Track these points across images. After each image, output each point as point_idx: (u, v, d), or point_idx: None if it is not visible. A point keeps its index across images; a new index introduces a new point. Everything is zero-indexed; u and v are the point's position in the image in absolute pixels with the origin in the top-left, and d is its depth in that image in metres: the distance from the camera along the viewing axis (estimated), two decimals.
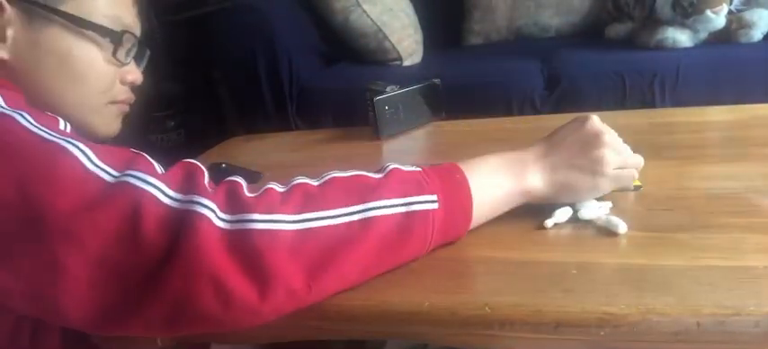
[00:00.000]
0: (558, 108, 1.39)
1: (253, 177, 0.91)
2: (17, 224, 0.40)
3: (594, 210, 0.59)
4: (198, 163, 0.47)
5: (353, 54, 1.73)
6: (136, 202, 0.42)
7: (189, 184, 0.44)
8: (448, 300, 0.47)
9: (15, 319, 0.49)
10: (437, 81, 1.14)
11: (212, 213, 0.42)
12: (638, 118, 1.06)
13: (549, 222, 0.58)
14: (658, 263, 0.50)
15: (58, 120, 0.48)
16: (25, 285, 0.42)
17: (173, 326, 0.44)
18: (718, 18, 1.43)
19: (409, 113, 1.10)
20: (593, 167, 0.57)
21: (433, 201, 0.50)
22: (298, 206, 0.45)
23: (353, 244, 0.46)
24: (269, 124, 1.57)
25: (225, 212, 0.43)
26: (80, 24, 0.59)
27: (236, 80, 1.62)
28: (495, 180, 0.56)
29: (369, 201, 0.47)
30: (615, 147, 0.59)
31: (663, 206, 0.61)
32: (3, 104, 0.46)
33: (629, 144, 0.74)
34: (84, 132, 0.62)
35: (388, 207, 0.48)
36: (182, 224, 0.41)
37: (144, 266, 0.41)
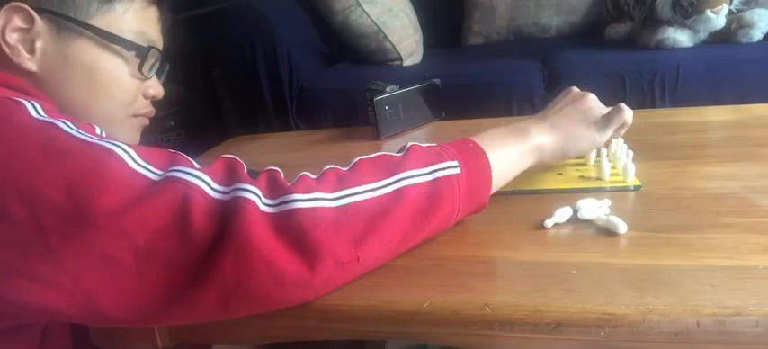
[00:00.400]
0: None
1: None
2: (67, 223, 0.41)
3: (594, 210, 0.59)
4: (236, 157, 0.50)
5: (353, 54, 1.73)
6: (184, 195, 0.43)
7: (232, 176, 0.47)
8: (448, 300, 0.47)
9: (29, 341, 0.51)
10: (437, 81, 1.14)
11: (257, 198, 0.45)
12: (638, 118, 1.05)
13: (548, 222, 0.58)
14: (658, 263, 0.50)
15: (94, 127, 0.50)
16: (73, 283, 0.42)
17: (227, 309, 0.45)
18: (718, 18, 1.42)
19: (409, 113, 1.10)
20: (586, 115, 0.67)
21: (455, 167, 0.53)
22: (333, 185, 0.48)
23: (390, 212, 0.49)
24: (269, 124, 1.57)
25: (268, 197, 0.45)
26: (108, 39, 0.61)
27: (236, 80, 1.62)
28: (506, 143, 0.60)
29: (398, 173, 0.50)
30: (599, 102, 0.70)
31: (663, 206, 0.61)
32: (43, 113, 0.47)
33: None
34: None
35: (415, 176, 0.51)
36: (229, 211, 0.43)
37: (194, 256, 0.42)
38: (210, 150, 1.15)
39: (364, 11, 1.64)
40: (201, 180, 0.45)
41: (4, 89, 0.51)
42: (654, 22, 1.52)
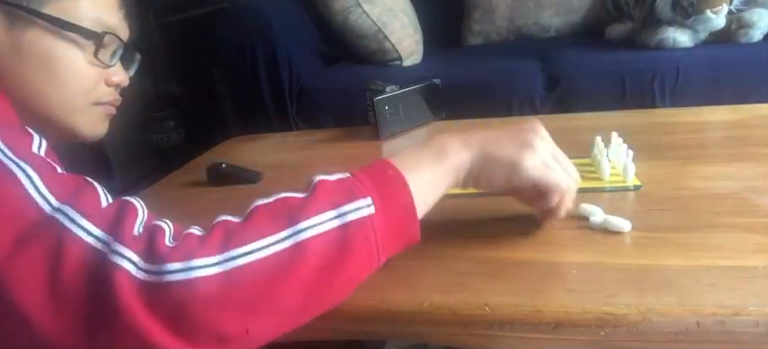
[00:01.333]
0: (558, 108, 1.39)
1: (253, 177, 0.91)
2: None
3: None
4: (135, 202, 0.45)
5: (353, 54, 1.73)
6: (59, 244, 0.40)
7: (116, 227, 0.42)
8: (448, 300, 0.47)
9: None
10: (437, 81, 1.14)
11: (131, 264, 0.40)
12: (638, 118, 1.06)
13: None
14: (658, 263, 0.50)
15: (32, 139, 0.48)
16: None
17: None
18: (718, 18, 1.42)
19: (409, 113, 1.10)
20: (522, 140, 0.53)
21: (368, 206, 0.46)
22: (218, 246, 0.42)
23: (287, 273, 0.42)
24: (269, 124, 1.57)
25: (145, 262, 0.40)
26: (61, 26, 0.59)
27: (236, 80, 1.62)
28: (422, 163, 0.52)
29: (297, 223, 0.43)
30: (552, 147, 0.55)
31: (663, 206, 0.61)
32: None
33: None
34: (70, 135, 0.62)
35: (319, 224, 0.44)
36: (101, 275, 0.40)
37: (74, 312, 0.40)
38: (210, 150, 1.15)
39: (364, 11, 1.64)
40: (83, 228, 0.41)
41: None
42: (654, 22, 1.52)
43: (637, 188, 0.67)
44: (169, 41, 2.19)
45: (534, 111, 1.42)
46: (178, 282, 0.40)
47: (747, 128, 0.90)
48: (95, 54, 0.62)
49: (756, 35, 1.46)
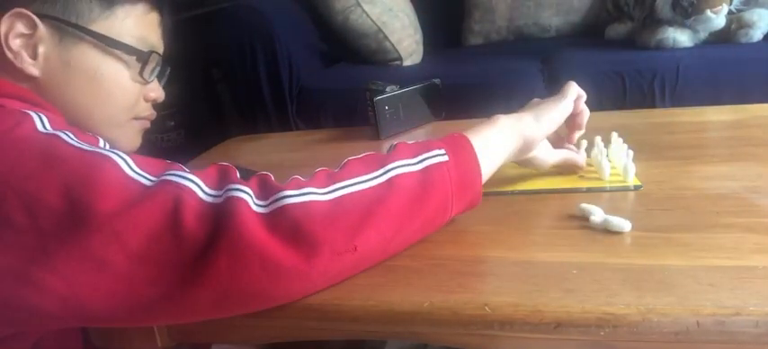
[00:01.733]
0: None
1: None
2: (63, 227, 0.42)
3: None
4: (229, 164, 0.50)
5: (353, 54, 1.73)
6: (176, 198, 0.44)
7: (224, 179, 0.47)
8: (448, 300, 0.47)
9: None
10: (437, 81, 1.14)
11: (249, 198, 0.45)
12: (638, 118, 1.06)
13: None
14: (658, 263, 0.50)
15: (97, 139, 0.51)
16: (65, 287, 0.43)
17: (221, 307, 0.46)
18: (718, 18, 1.42)
19: (409, 113, 1.10)
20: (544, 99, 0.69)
21: (442, 154, 0.54)
22: (324, 181, 0.49)
23: (384, 200, 0.49)
24: (269, 124, 1.57)
25: (260, 198, 0.46)
26: (110, 44, 0.62)
27: (236, 80, 1.62)
28: (483, 130, 0.60)
29: (387, 164, 0.51)
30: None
31: (663, 206, 0.61)
32: (48, 125, 0.49)
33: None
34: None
35: (406, 165, 0.52)
36: (222, 211, 0.44)
37: (187, 256, 0.43)
38: (210, 150, 1.15)
39: (364, 11, 1.64)
40: (194, 183, 0.46)
41: (16, 101, 0.53)
42: (654, 22, 1.52)
43: (637, 188, 0.67)
44: (169, 41, 2.18)
45: None
46: (295, 206, 0.45)
47: (747, 128, 0.90)
48: (141, 72, 0.66)
49: (756, 35, 1.46)
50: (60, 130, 0.49)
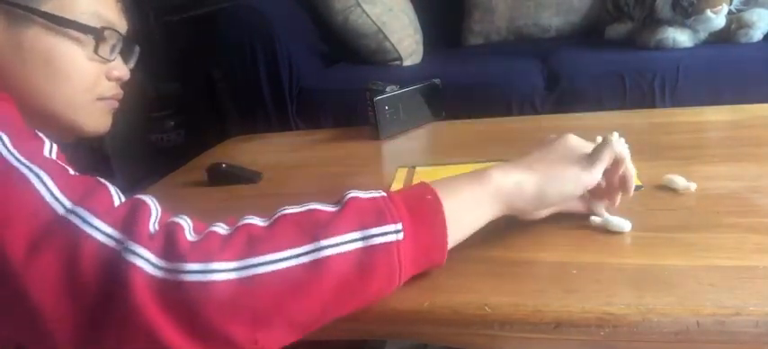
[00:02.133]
0: (558, 108, 1.39)
1: (253, 177, 0.91)
2: None
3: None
4: (148, 200, 0.45)
5: (353, 54, 1.73)
6: (74, 244, 0.41)
7: (130, 225, 0.42)
8: (448, 300, 0.47)
9: None
10: (437, 81, 1.14)
11: (146, 262, 0.40)
12: (638, 118, 1.06)
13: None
14: (658, 263, 0.50)
15: (43, 144, 0.48)
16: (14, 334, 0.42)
17: None
18: (718, 18, 1.42)
19: (409, 113, 1.10)
20: (565, 154, 0.55)
21: (396, 232, 0.45)
22: (239, 251, 0.42)
23: (304, 289, 0.42)
24: (269, 124, 1.57)
25: (161, 259, 0.40)
26: (60, 23, 0.59)
27: (236, 80, 1.62)
28: (461, 190, 0.52)
29: (321, 239, 0.43)
30: (580, 140, 0.57)
31: (663, 206, 0.61)
32: None
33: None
34: (74, 131, 0.62)
35: (343, 243, 0.43)
36: (115, 273, 0.40)
37: (86, 311, 0.40)
38: (210, 150, 1.15)
39: (364, 11, 1.64)
40: (96, 228, 0.42)
41: None
42: (654, 22, 1.52)
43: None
44: (169, 41, 2.19)
45: (534, 111, 1.42)
46: (194, 284, 0.40)
47: (747, 128, 0.90)
48: (95, 49, 0.62)
49: (756, 35, 1.46)
50: None
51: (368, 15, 1.65)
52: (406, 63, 1.72)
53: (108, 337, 0.40)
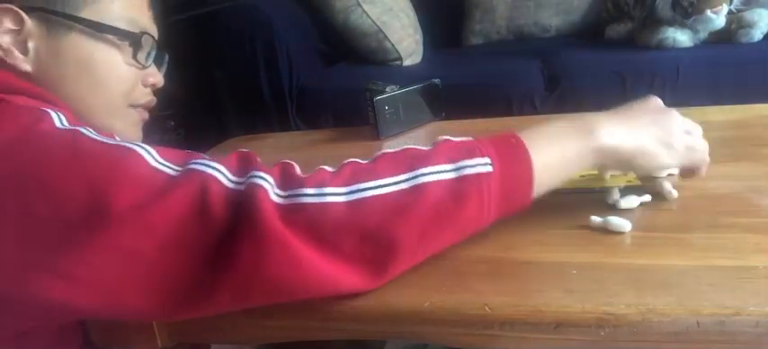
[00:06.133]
0: (558, 108, 1.39)
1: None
2: (91, 220, 0.43)
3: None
4: (250, 151, 0.50)
5: (353, 54, 1.73)
6: (203, 184, 0.44)
7: (246, 166, 0.47)
8: (448, 300, 0.47)
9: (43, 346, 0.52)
10: (437, 81, 1.14)
11: (270, 187, 0.45)
12: None
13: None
14: (658, 263, 0.50)
15: (114, 135, 0.51)
16: (96, 279, 0.44)
17: (246, 297, 0.46)
18: (718, 18, 1.42)
19: (409, 113, 1.10)
20: (664, 134, 0.55)
21: (485, 164, 0.48)
22: (348, 179, 0.47)
23: (405, 210, 0.46)
24: (269, 124, 1.57)
25: (280, 188, 0.46)
26: (99, 29, 0.60)
27: (236, 80, 1.62)
28: (560, 141, 0.53)
29: (418, 168, 0.47)
30: (685, 124, 0.57)
31: (663, 206, 0.61)
32: (65, 122, 0.49)
33: None
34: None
35: (437, 172, 0.47)
36: (244, 197, 0.44)
37: (213, 242, 0.43)
38: (210, 150, 1.15)
39: (364, 11, 1.64)
40: (218, 171, 0.46)
41: (22, 97, 0.52)
42: (654, 22, 1.52)
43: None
44: (170, 41, 2.18)
45: (534, 111, 1.42)
46: (313, 204, 0.45)
47: (747, 128, 0.90)
48: (133, 55, 0.64)
49: (756, 35, 1.46)
50: (78, 126, 0.49)
51: (368, 15, 1.65)
52: (406, 63, 1.72)
53: (242, 254, 0.43)
